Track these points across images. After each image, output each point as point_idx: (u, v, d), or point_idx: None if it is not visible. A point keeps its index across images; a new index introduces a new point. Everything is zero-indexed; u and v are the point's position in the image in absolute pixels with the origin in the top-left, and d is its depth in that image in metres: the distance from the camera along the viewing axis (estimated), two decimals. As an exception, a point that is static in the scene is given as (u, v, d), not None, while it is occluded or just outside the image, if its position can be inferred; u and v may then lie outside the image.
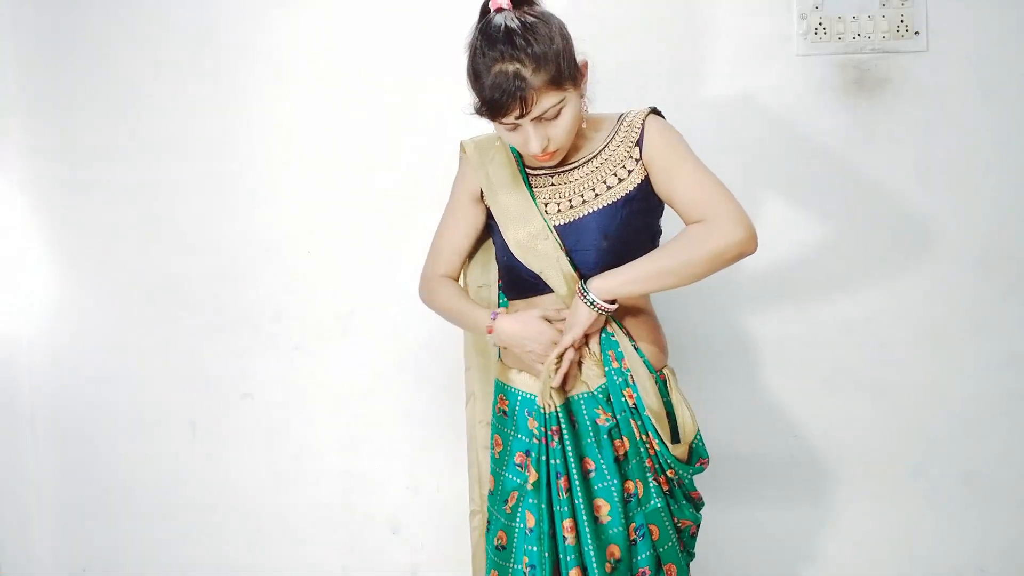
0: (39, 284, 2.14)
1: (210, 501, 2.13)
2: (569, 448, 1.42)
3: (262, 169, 2.07)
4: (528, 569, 1.44)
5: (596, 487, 1.42)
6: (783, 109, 1.97)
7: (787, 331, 2.00)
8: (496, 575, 1.50)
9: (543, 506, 1.42)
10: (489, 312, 1.50)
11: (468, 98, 1.39)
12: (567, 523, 1.40)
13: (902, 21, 1.94)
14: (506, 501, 1.49)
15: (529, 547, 1.44)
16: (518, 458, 1.48)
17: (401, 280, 1.90)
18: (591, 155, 1.46)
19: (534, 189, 1.48)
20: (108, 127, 2.09)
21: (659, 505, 1.42)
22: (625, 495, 1.42)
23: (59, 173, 2.11)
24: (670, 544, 1.44)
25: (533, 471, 1.44)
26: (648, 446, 1.42)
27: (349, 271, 2.07)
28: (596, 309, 1.40)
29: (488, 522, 1.53)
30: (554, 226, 1.45)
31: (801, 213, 1.98)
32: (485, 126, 1.51)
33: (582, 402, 1.45)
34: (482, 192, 1.53)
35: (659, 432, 1.39)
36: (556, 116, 1.35)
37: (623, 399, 1.42)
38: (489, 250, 1.63)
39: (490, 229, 1.57)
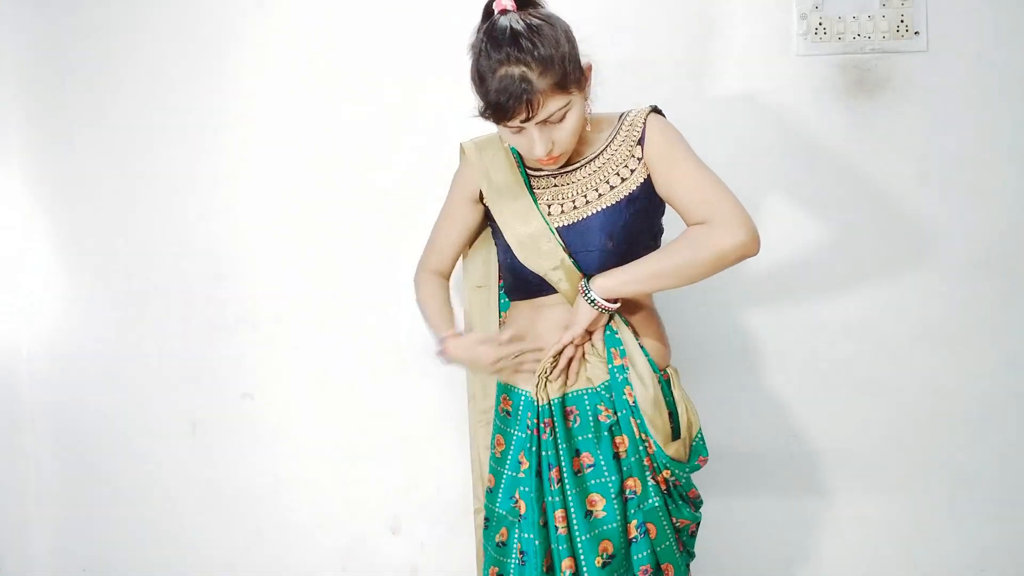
0: (39, 284, 2.14)
1: (210, 501, 2.13)
2: (562, 441, 1.43)
3: (262, 169, 2.07)
4: (520, 556, 1.45)
5: (592, 482, 1.43)
6: (783, 109, 1.97)
7: (787, 331, 2.00)
8: (496, 571, 1.50)
9: (534, 495, 1.43)
10: (443, 332, 1.54)
11: (469, 99, 1.39)
12: (558, 513, 1.41)
13: (902, 21, 1.94)
14: (511, 497, 1.49)
15: (523, 534, 1.45)
16: (521, 458, 1.48)
17: (401, 280, 1.89)
18: (593, 155, 1.46)
19: (536, 191, 1.48)
20: (108, 127, 2.09)
21: (657, 504, 1.43)
22: (626, 493, 1.42)
23: (59, 172, 2.12)
24: (667, 543, 1.45)
25: (525, 460, 1.46)
26: (646, 445, 1.42)
27: (349, 271, 2.07)
28: (597, 307, 1.40)
29: (487, 519, 1.53)
30: (557, 227, 1.45)
31: (801, 213, 1.98)
32: (485, 127, 1.51)
33: (585, 398, 1.46)
34: (481, 193, 1.53)
35: (654, 432, 1.40)
36: (561, 119, 1.35)
37: (624, 397, 1.42)
38: (491, 250, 1.64)
39: (492, 231, 1.57)
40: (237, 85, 2.06)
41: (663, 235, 1.52)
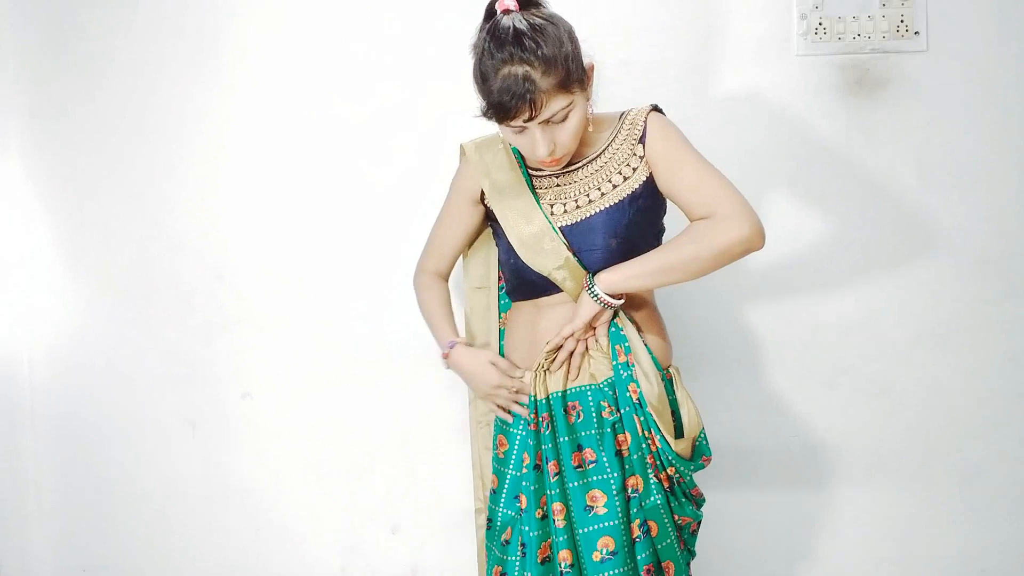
0: (40, 284, 2.14)
1: (210, 501, 2.13)
2: (561, 435, 1.43)
3: (263, 169, 2.07)
4: (521, 548, 1.46)
5: (594, 478, 1.43)
6: (783, 109, 1.97)
7: (787, 330, 2.00)
8: (499, 571, 1.50)
9: (533, 487, 1.44)
10: (451, 338, 1.55)
11: (469, 100, 1.39)
12: (556, 506, 1.41)
13: (902, 21, 1.94)
14: (515, 497, 1.49)
15: (523, 527, 1.46)
16: (525, 459, 1.48)
17: (401, 280, 1.89)
18: (594, 155, 1.46)
19: (538, 191, 1.49)
20: (108, 127, 2.09)
21: (659, 502, 1.43)
22: (629, 491, 1.42)
23: (59, 172, 2.12)
24: (669, 541, 1.45)
25: (527, 456, 1.46)
26: (650, 442, 1.42)
27: (349, 271, 2.07)
28: (600, 302, 1.40)
29: (490, 520, 1.54)
30: (560, 227, 1.45)
31: (801, 212, 1.98)
32: (486, 128, 1.51)
33: (588, 394, 1.46)
34: (482, 194, 1.53)
35: (660, 428, 1.40)
36: (564, 119, 1.35)
37: (628, 394, 1.42)
38: (491, 252, 1.64)
39: (493, 232, 1.57)
40: (238, 86, 2.06)
41: (664, 234, 1.52)
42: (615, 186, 1.44)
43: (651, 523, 1.43)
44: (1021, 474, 2.00)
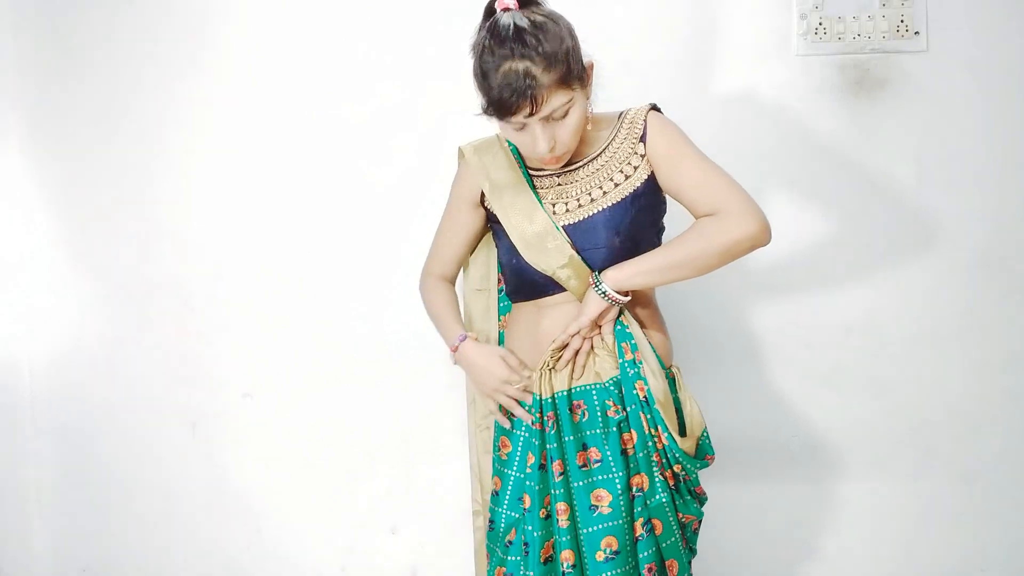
0: (40, 284, 2.14)
1: (210, 501, 2.13)
2: (566, 435, 1.43)
3: (263, 169, 2.07)
4: (524, 547, 1.46)
5: (599, 477, 1.42)
6: (783, 109, 1.97)
7: (787, 329, 2.00)
8: (503, 571, 1.50)
9: (537, 487, 1.44)
10: (460, 333, 1.53)
11: (469, 100, 1.38)
12: (560, 506, 1.41)
13: (902, 21, 1.94)
14: (519, 499, 1.49)
15: (526, 527, 1.45)
16: (529, 458, 1.48)
17: (401, 280, 1.90)
18: (595, 154, 1.47)
19: (539, 190, 1.49)
20: (109, 127, 2.09)
21: (664, 500, 1.43)
22: (633, 490, 1.42)
23: (60, 173, 2.12)
24: (673, 539, 1.45)
25: (532, 456, 1.46)
26: (656, 440, 1.42)
27: (349, 271, 2.07)
28: (608, 300, 1.40)
29: (492, 522, 1.53)
30: (563, 226, 1.45)
31: (801, 212, 1.98)
32: (485, 129, 1.51)
33: (593, 392, 1.46)
34: (483, 196, 1.53)
35: (668, 425, 1.40)
36: (564, 116, 1.35)
37: (634, 392, 1.42)
38: (491, 254, 1.64)
39: (494, 233, 1.57)
40: (238, 86, 2.06)
41: (664, 233, 1.52)
42: (617, 184, 1.45)
43: (655, 521, 1.43)
44: (1021, 474, 2.00)
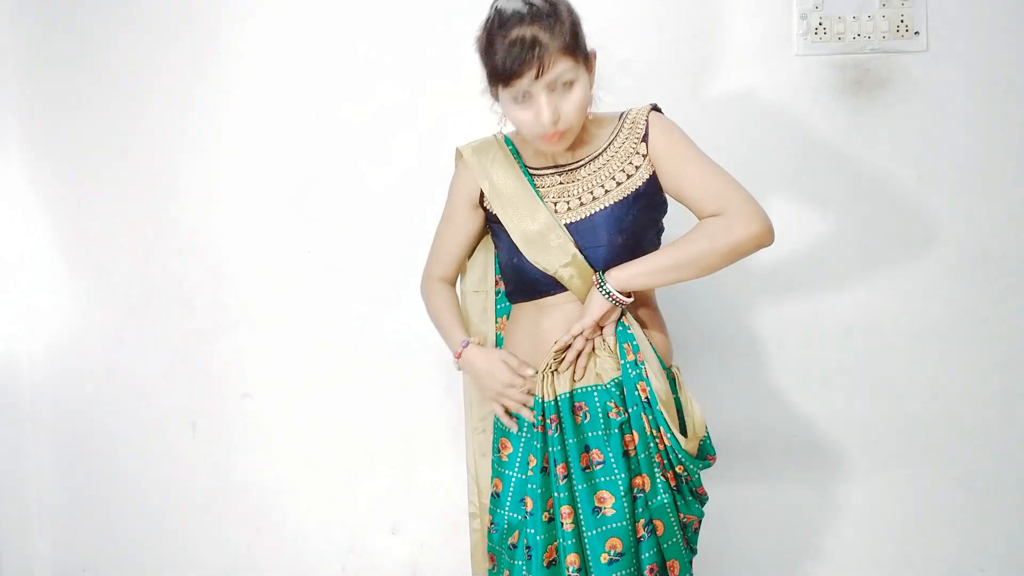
0: (40, 284, 2.14)
1: (210, 501, 2.13)
2: (569, 437, 1.42)
3: (263, 169, 2.07)
4: (527, 551, 1.45)
5: (601, 479, 1.42)
6: (783, 109, 1.97)
7: (787, 329, 2.00)
8: (508, 575, 1.50)
9: (539, 491, 1.43)
10: (463, 338, 1.54)
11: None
12: (564, 509, 1.40)
13: (902, 21, 1.94)
14: (520, 500, 1.49)
15: (529, 530, 1.45)
16: (530, 458, 1.47)
17: (401, 280, 1.90)
18: (596, 152, 1.47)
19: (540, 189, 1.48)
20: (108, 127, 2.09)
21: (665, 501, 1.43)
22: (634, 491, 1.42)
23: (59, 173, 2.12)
24: (674, 540, 1.45)
25: (533, 458, 1.45)
26: (658, 441, 1.42)
27: (349, 271, 2.07)
28: (611, 300, 1.40)
29: (494, 525, 1.52)
30: (564, 224, 1.45)
31: (801, 212, 1.98)
32: (484, 130, 1.52)
33: (595, 394, 1.45)
34: (482, 196, 1.53)
35: (670, 425, 1.40)
36: (569, 87, 1.36)
37: (636, 393, 1.42)
38: (489, 255, 1.63)
39: (493, 233, 1.57)
40: (238, 86, 2.06)
41: (663, 233, 1.52)
42: (619, 183, 1.45)
43: (657, 522, 1.43)
44: (1021, 474, 2.00)
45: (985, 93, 1.94)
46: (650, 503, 1.42)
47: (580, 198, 1.46)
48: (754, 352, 2.02)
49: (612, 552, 1.40)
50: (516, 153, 1.52)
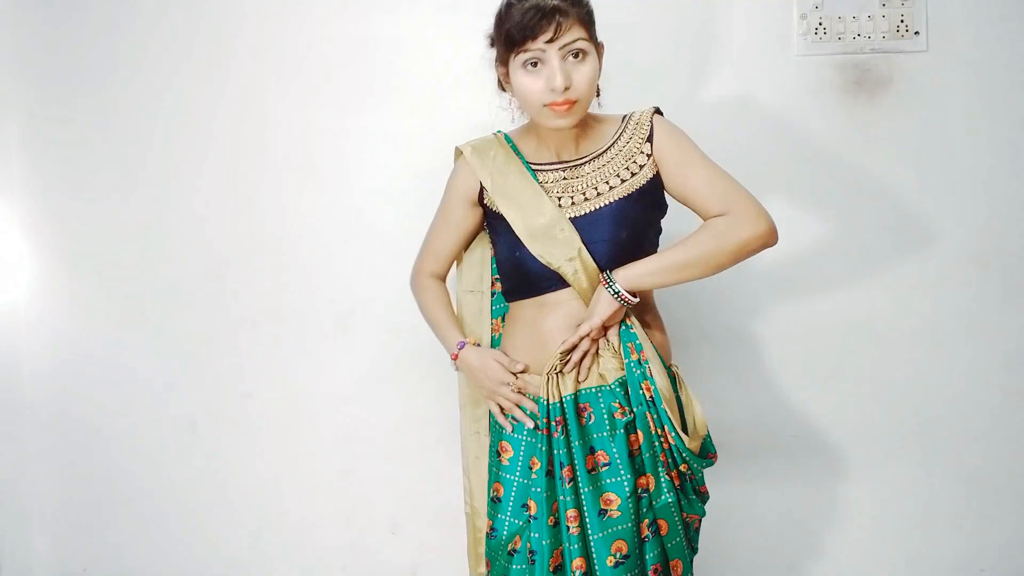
0: (40, 284, 2.14)
1: (210, 501, 2.13)
2: (574, 439, 1.42)
3: (262, 168, 2.07)
4: (530, 555, 1.44)
5: (607, 480, 1.42)
6: (783, 109, 1.97)
7: (787, 330, 2.00)
8: None
9: (545, 494, 1.43)
10: (459, 339, 1.55)
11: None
12: (570, 512, 1.40)
13: (902, 21, 1.94)
14: (523, 505, 1.48)
15: (533, 534, 1.44)
16: (532, 462, 1.47)
17: (401, 280, 1.89)
18: (601, 150, 1.48)
19: (543, 184, 1.49)
20: (108, 127, 2.09)
21: (670, 500, 1.43)
22: (639, 491, 1.42)
23: (60, 172, 2.11)
24: (678, 539, 1.45)
25: (537, 461, 1.45)
26: (663, 440, 1.42)
27: (349, 271, 2.07)
28: (620, 300, 1.41)
29: (494, 530, 1.51)
30: (568, 218, 1.45)
31: (801, 213, 1.98)
32: (483, 131, 1.51)
33: (599, 395, 1.45)
34: (481, 194, 1.53)
35: (674, 424, 1.40)
36: (581, 59, 1.39)
37: (641, 392, 1.42)
38: (485, 255, 1.63)
39: (492, 229, 1.56)
40: (238, 85, 2.06)
41: (661, 235, 1.53)
42: (623, 180, 1.46)
43: (661, 522, 1.43)
44: (1021, 474, 2.00)
45: (985, 93, 1.94)
46: (654, 503, 1.43)
47: (584, 193, 1.46)
48: (754, 352, 2.01)
49: (618, 554, 1.40)
50: (517, 150, 1.52)
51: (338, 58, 2.04)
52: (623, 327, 1.45)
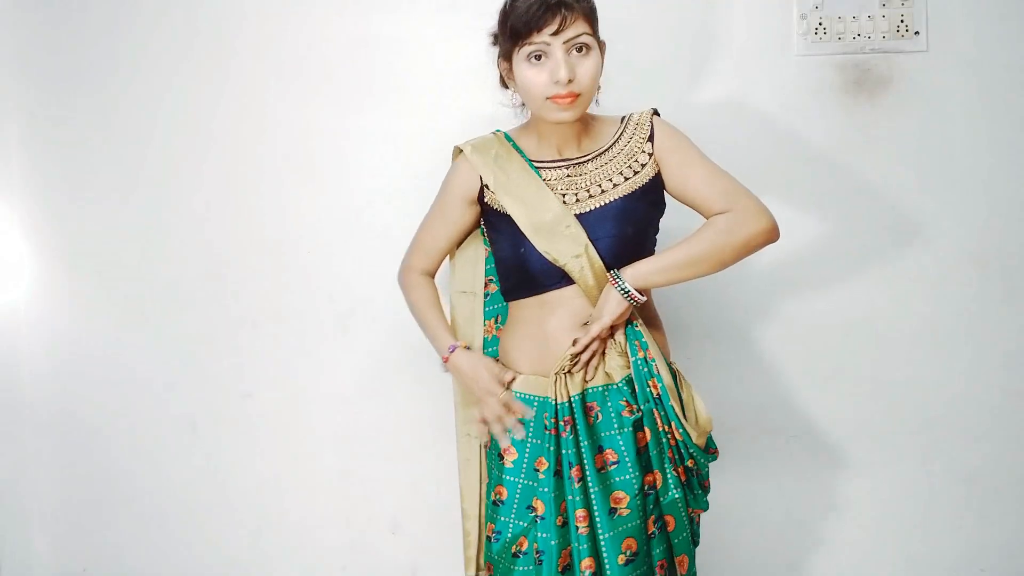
0: (40, 284, 2.14)
1: (210, 501, 2.13)
2: (583, 438, 1.42)
3: (262, 168, 2.07)
4: (537, 555, 1.44)
5: (616, 479, 1.42)
6: (783, 109, 1.97)
7: (787, 329, 2.00)
8: None
9: (552, 494, 1.42)
10: (450, 343, 1.55)
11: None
12: (579, 512, 1.40)
13: (902, 21, 1.94)
14: (528, 507, 1.47)
15: (540, 534, 1.44)
16: (538, 463, 1.47)
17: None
18: (603, 148, 1.49)
19: (547, 182, 1.49)
20: (108, 127, 2.09)
21: (677, 496, 1.43)
22: (646, 488, 1.42)
23: (59, 173, 2.11)
24: (684, 535, 1.46)
25: (545, 461, 1.45)
26: (670, 436, 1.43)
27: (349, 271, 2.07)
28: (629, 299, 1.41)
29: (498, 533, 1.49)
30: (574, 215, 1.46)
31: (800, 213, 1.98)
32: (483, 131, 1.51)
33: (607, 394, 1.45)
34: (481, 193, 1.53)
35: (681, 420, 1.40)
36: (584, 52, 1.40)
37: (648, 389, 1.43)
38: (478, 256, 1.63)
39: (492, 227, 1.56)
40: (238, 85, 2.06)
41: (657, 234, 1.54)
42: (626, 178, 1.47)
43: (668, 518, 1.44)
44: (1021, 474, 2.00)
45: (985, 93, 1.94)
46: (661, 499, 1.43)
47: (588, 190, 1.47)
48: (755, 352, 2.02)
49: (628, 552, 1.40)
50: (517, 148, 1.52)
51: (338, 58, 2.04)
52: (629, 326, 1.46)
